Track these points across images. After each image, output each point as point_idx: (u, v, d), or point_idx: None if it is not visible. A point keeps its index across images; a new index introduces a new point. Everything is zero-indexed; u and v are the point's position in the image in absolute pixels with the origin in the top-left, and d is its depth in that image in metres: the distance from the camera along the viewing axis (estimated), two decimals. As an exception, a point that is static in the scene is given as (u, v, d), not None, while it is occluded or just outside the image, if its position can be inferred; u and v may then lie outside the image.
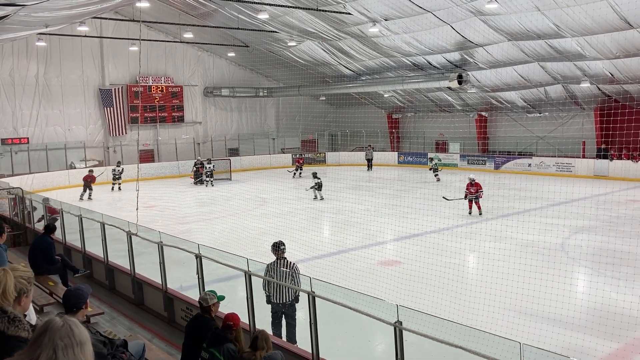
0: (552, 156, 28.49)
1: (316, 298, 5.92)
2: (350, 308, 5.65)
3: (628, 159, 25.95)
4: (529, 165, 28.85)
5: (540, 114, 29.14)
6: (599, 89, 25.13)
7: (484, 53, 25.02)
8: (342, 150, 36.13)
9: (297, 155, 27.79)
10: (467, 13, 21.56)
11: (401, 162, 34.63)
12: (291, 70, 33.54)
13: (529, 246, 12.73)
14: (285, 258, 7.68)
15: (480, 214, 16.94)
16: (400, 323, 5.31)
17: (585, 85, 24.82)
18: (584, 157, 27.76)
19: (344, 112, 36.82)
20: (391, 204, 18.79)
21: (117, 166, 26.00)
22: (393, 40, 26.20)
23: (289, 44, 29.39)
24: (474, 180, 17.21)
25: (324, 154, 35.81)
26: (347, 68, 32.00)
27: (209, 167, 26.78)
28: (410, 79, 29.48)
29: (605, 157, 26.61)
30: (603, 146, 26.87)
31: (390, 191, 22.52)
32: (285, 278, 7.41)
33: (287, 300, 7.32)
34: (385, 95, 34.47)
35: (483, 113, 31.96)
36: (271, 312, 7.41)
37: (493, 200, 20.02)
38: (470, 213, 17.04)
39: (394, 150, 35.99)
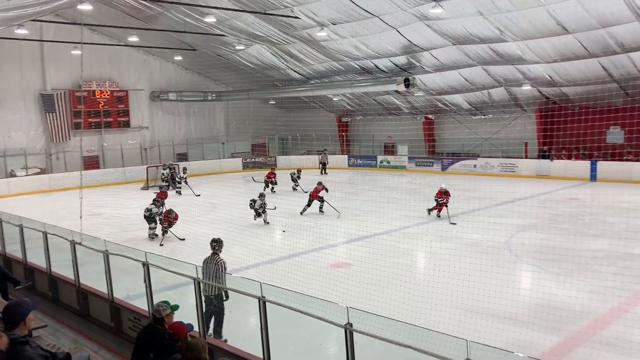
0: (496, 157, 29.34)
1: (267, 303, 5.90)
2: (301, 312, 5.65)
3: (567, 158, 27.03)
4: (475, 166, 29.61)
5: (484, 116, 29.99)
6: (539, 91, 26.08)
7: (429, 57, 25.56)
8: (292, 154, 36.10)
9: (270, 170, 25.47)
10: (413, 17, 21.97)
11: (351, 164, 34.91)
12: (240, 73, 33.32)
13: (475, 245, 13.06)
14: (217, 254, 8.10)
15: (439, 216, 17.19)
16: (351, 325, 5.34)
17: (527, 88, 25.72)
18: (526, 157, 28.72)
19: (294, 115, 36.83)
20: (341, 206, 18.87)
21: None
22: (341, 44, 26.42)
23: (237, 47, 29.20)
24: (446, 190, 17.35)
25: (274, 158, 35.71)
26: (297, 72, 32.04)
27: (167, 173, 26.23)
28: (358, 82, 29.81)
29: (546, 157, 27.63)
30: (545, 147, 27.89)
31: (340, 194, 22.64)
32: (210, 273, 7.71)
33: (211, 293, 7.57)
34: (334, 99, 34.72)
35: (430, 116, 32.63)
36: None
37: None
38: (439, 216, 17.24)
39: (344, 154, 36.26)
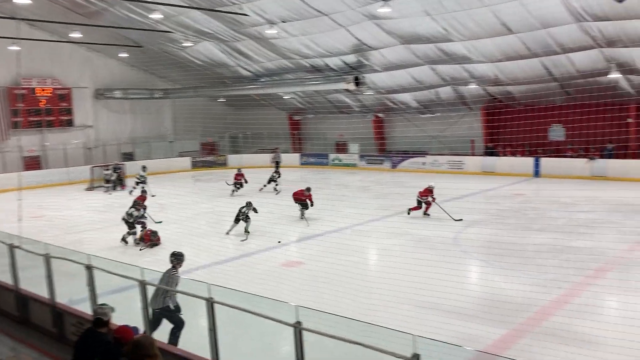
0: (444, 154, 29.92)
1: (215, 304, 5.82)
2: (250, 312, 5.60)
3: (512, 155, 27.86)
4: (424, 163, 30.12)
5: (432, 114, 30.52)
6: (485, 90, 26.75)
7: (378, 56, 25.83)
8: (244, 153, 35.78)
9: (236, 171, 23.78)
10: (362, 17, 22.14)
11: (303, 163, 34.90)
12: (188, 71, 32.77)
13: (425, 241, 13.27)
14: (175, 268, 7.85)
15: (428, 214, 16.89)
16: (300, 323, 5.32)
17: (473, 86, 26.34)
18: (473, 154, 29.43)
19: (244, 113, 36.51)
20: (294, 205, 18.87)
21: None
22: (291, 43, 26.35)
23: (185, 44, 28.68)
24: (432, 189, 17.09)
25: (225, 157, 35.31)
26: (246, 69, 31.77)
27: (110, 173, 25.50)
28: (309, 81, 29.81)
29: (492, 154, 28.39)
30: (491, 145, 28.64)
31: (289, 193, 22.61)
32: (167, 284, 7.54)
33: (156, 306, 7.31)
34: (285, 97, 34.61)
35: (380, 114, 32.97)
36: None
37: (391, 199, 20.71)
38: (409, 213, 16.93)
39: (296, 152, 36.21)
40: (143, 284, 6.53)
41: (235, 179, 23.06)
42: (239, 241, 14.10)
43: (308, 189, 17.07)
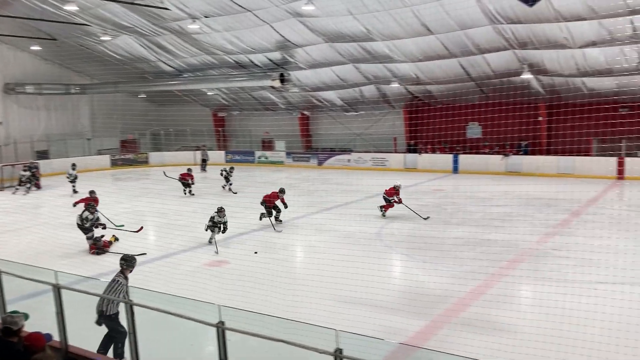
0: (368, 152, 30.49)
1: (134, 307, 5.63)
2: (170, 313, 5.46)
3: (433, 152, 28.78)
4: (349, 160, 30.58)
5: (356, 112, 31.01)
6: (407, 89, 27.46)
7: (303, 54, 25.91)
8: (166, 150, 34.86)
9: (186, 170, 21.79)
10: (286, 14, 22.12)
11: (229, 160, 34.46)
12: (106, 65, 31.49)
13: (349, 237, 13.45)
14: (123, 273, 7.39)
15: (384, 215, 16.39)
16: (223, 323, 5.25)
17: (395, 85, 26.97)
18: (396, 151, 30.16)
19: (166, 110, 35.60)
20: (218, 203, 18.60)
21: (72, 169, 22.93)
22: (214, 38, 25.94)
23: (102, 38, 27.56)
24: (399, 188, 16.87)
25: (146, 155, 34.25)
26: (168, 65, 30.96)
27: (27, 175, 24.04)
28: (233, 77, 29.50)
29: (414, 151, 29.21)
30: (412, 142, 29.44)
31: (218, 190, 22.29)
32: (107, 290, 7.16)
33: (98, 309, 6.99)
34: (209, 93, 34.06)
35: (305, 112, 33.14)
36: None
37: (317, 195, 20.86)
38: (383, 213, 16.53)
39: (221, 149, 35.70)
40: (58, 288, 6.21)
41: (183, 177, 21.30)
42: (161, 241, 13.73)
43: (282, 191, 15.73)
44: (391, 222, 15.54)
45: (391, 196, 16.15)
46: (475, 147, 27.74)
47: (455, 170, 27.33)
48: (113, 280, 7.21)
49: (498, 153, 26.58)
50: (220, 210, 13.42)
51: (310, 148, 33.70)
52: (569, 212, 16.24)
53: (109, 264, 11.13)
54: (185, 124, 34.06)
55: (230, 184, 22.27)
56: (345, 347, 4.66)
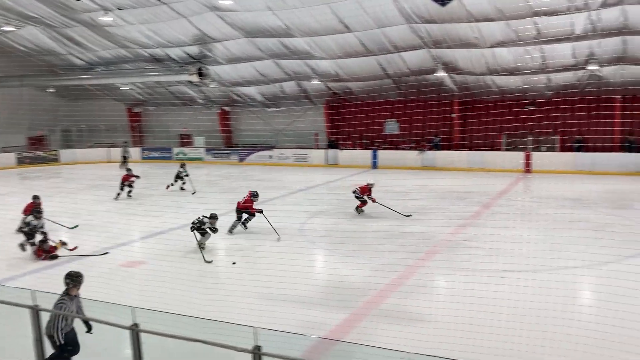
0: (290, 148, 30.53)
1: (40, 312, 5.34)
2: (80, 317, 5.22)
3: (353, 148, 29.25)
4: (270, 157, 30.49)
5: (278, 108, 30.96)
6: (327, 85, 27.72)
7: (222, 48, 25.54)
8: (78, 147, 33.25)
9: (126, 172, 19.90)
10: (204, 7, 21.70)
11: (145, 157, 33.45)
12: (10, 58, 29.57)
13: (272, 233, 13.38)
14: (68, 292, 6.41)
15: (360, 211, 15.95)
16: (137, 325, 5.08)
17: (315, 82, 27.15)
18: (317, 147, 30.40)
19: (78, 105, 33.93)
20: (135, 202, 18.01)
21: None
22: (128, 31, 25.02)
23: (5, 28, 25.87)
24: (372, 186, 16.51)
25: (56, 152, 32.53)
26: (79, 58, 29.55)
27: None
28: (149, 71, 28.59)
29: (335, 147, 29.55)
30: (333, 138, 29.76)
31: (135, 189, 21.52)
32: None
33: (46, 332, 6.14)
34: (123, 88, 32.82)
35: (225, 107, 32.69)
36: None
37: (239, 192, 20.60)
38: (361, 212, 16.01)
39: (137, 146, 34.52)
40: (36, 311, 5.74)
41: (124, 180, 19.50)
42: (73, 241, 13.08)
43: (255, 195, 14.25)
44: (313, 217, 15.65)
45: (365, 194, 15.83)
46: (393, 143, 28.48)
47: (375, 165, 27.91)
48: (59, 302, 6.22)
49: (414, 149, 27.41)
50: (213, 217, 11.97)
51: (231, 144, 33.30)
52: (480, 204, 17.01)
53: (13, 263, 10.49)
54: (98, 120, 32.63)
55: (184, 183, 20.81)
56: (265, 344, 4.64)
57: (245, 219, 14.08)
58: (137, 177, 19.59)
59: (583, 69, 21.94)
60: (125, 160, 29.73)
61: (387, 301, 8.67)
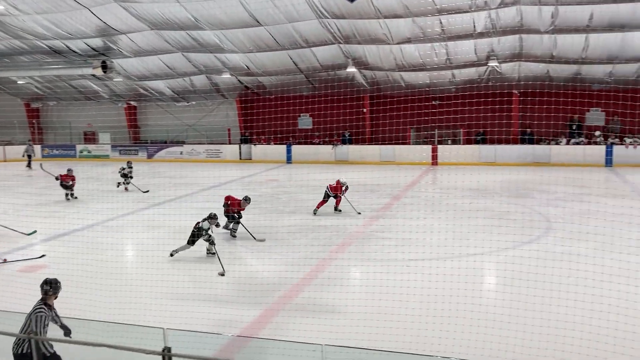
0: (201, 143, 29.95)
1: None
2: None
3: (267, 143, 29.14)
4: (181, 153, 29.77)
5: (188, 102, 30.26)
6: (238, 79, 27.40)
7: (127, 41, 24.57)
8: (-32, 145, 30.90)
9: (66, 171, 18.07)
10: (107, -3, 20.77)
11: (46, 155, 31.60)
12: None
13: (182, 232, 13.03)
14: (45, 301, 5.85)
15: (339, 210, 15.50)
16: (36, 333, 4.79)
17: (226, 76, 26.76)
18: (230, 143, 30.03)
19: (-33, 100, 31.51)
20: (35, 202, 16.95)
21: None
22: (23, 21, 23.46)
23: None
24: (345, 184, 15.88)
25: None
26: (-33, 49, 27.37)
27: None
28: (48, 64, 27.02)
29: (248, 142, 29.32)
30: (246, 133, 29.50)
31: (34, 189, 20.29)
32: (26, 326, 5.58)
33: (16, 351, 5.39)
34: (19, 82, 30.75)
35: (132, 102, 31.50)
36: None
37: (149, 189, 19.96)
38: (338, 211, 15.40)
39: (36, 143, 32.52)
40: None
41: (64, 179, 17.98)
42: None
43: (247, 199, 13.06)
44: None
45: (336, 191, 15.30)
46: (306, 138, 28.67)
47: (289, 160, 27.98)
48: (34, 311, 5.61)
49: (328, 143, 27.74)
50: (212, 217, 10.80)
51: (139, 140, 32.16)
52: (391, 196, 17.51)
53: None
54: (-9, 116, 30.46)
55: (128, 183, 19.61)
56: (176, 345, 4.52)
57: (234, 226, 12.77)
58: (74, 180, 18.11)
59: (484, 65, 23.11)
60: (29, 159, 27.92)
61: (301, 295, 8.71)
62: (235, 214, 12.67)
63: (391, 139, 24.98)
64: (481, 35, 21.17)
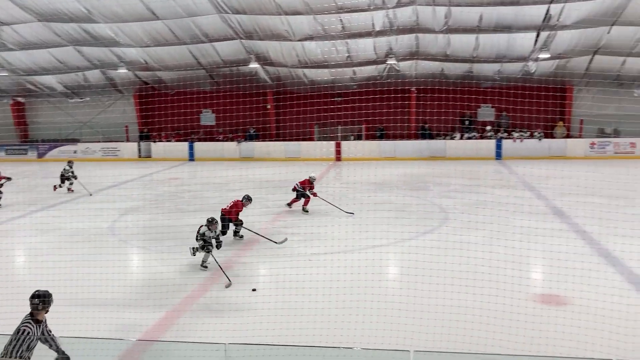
0: (97, 141, 28.59)
1: None
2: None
3: (167, 140, 28.32)
4: (75, 151, 28.22)
5: (81, 99, 28.73)
6: (136, 75, 26.39)
7: (12, 33, 22.93)
8: None
9: None
10: (-14, -15, 19.24)
11: None
12: None
13: (78, 234, 12.42)
14: (33, 316, 5.31)
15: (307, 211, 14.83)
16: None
17: (123, 71, 25.70)
18: (128, 140, 28.86)
19: None
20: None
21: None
22: None
23: None
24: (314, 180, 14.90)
25: None
26: None
27: None
28: None
29: (148, 139, 28.33)
30: (145, 130, 28.49)
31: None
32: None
33: None
34: None
35: (19, 98, 29.44)
36: None
37: (38, 192, 18.82)
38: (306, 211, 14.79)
39: None
40: None
41: None
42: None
43: (248, 199, 12.28)
44: (125, 215, 14.87)
45: (305, 188, 14.82)
46: (209, 134, 28.18)
47: (191, 157, 27.39)
48: (18, 331, 5.07)
49: (231, 140, 27.44)
50: (211, 222, 9.99)
51: (28, 139, 30.12)
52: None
53: None
54: None
55: (71, 183, 18.10)
56: (74, 354, 4.33)
57: (236, 230, 12.08)
58: (9, 178, 16.44)
59: (383, 63, 23.84)
60: None
61: (206, 295, 8.60)
62: (232, 222, 11.86)
63: (296, 135, 25.14)
64: (380, 33, 21.82)
